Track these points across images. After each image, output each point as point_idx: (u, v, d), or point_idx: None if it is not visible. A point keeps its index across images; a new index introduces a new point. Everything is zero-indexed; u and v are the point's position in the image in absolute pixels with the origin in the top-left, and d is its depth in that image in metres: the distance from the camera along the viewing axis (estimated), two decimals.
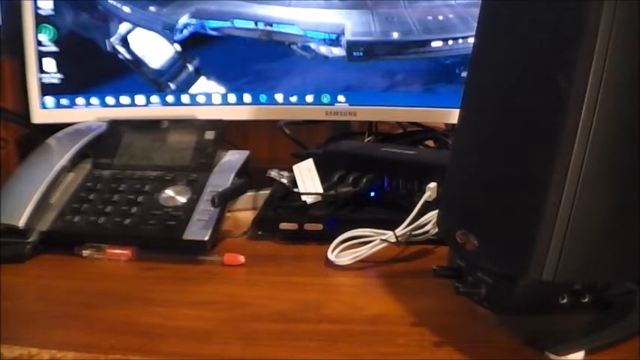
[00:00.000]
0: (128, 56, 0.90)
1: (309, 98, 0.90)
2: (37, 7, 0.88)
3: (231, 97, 0.91)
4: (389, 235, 0.68)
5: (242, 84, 0.90)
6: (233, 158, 0.82)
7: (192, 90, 0.91)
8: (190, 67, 0.90)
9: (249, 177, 0.80)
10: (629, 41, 0.44)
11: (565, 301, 0.50)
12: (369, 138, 0.96)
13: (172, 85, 0.91)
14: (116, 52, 0.90)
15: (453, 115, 0.84)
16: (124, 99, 0.91)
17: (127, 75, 0.90)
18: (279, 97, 0.90)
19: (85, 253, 0.71)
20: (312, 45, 0.88)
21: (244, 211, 0.84)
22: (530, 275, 0.46)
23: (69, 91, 0.91)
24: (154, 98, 0.91)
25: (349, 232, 0.69)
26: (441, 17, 0.85)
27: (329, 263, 0.68)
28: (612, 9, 0.43)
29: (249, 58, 0.90)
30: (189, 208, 0.74)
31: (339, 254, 0.68)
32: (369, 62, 0.87)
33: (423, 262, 0.69)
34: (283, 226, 0.75)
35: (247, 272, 0.68)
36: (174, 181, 0.78)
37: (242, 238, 0.77)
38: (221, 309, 0.60)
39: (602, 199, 0.46)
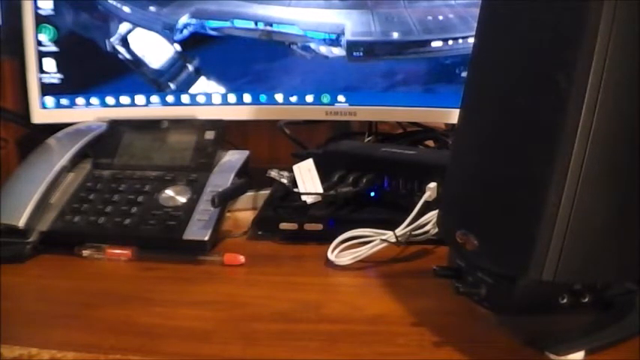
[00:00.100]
0: (128, 56, 0.90)
1: (309, 98, 0.90)
2: (37, 7, 0.88)
3: (231, 97, 0.91)
4: (389, 235, 0.68)
5: (242, 84, 0.90)
6: (233, 158, 0.82)
7: (192, 90, 0.91)
8: (190, 67, 0.90)
9: (249, 177, 0.80)
10: (629, 41, 0.44)
11: (565, 301, 0.50)
12: (369, 138, 0.96)
13: (172, 85, 0.91)
14: (116, 52, 0.90)
15: (453, 115, 0.84)
16: (124, 99, 0.91)
17: (127, 75, 0.90)
18: (279, 97, 0.90)
19: (85, 253, 0.71)
20: (312, 45, 0.88)
21: (244, 211, 0.84)
22: (530, 275, 0.46)
23: (69, 91, 0.91)
24: (154, 98, 0.91)
25: (349, 232, 0.69)
26: (441, 17, 0.85)
27: (329, 263, 0.68)
28: (612, 9, 0.43)
29: (249, 58, 0.90)
30: (189, 208, 0.74)
31: (339, 254, 0.68)
32: (369, 62, 0.87)
33: (423, 262, 0.69)
34: (283, 226, 0.75)
35: (247, 272, 0.68)
36: (174, 181, 0.78)
37: (242, 238, 0.77)
38: (221, 309, 0.60)
39: (602, 199, 0.46)
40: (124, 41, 0.90)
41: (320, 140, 0.97)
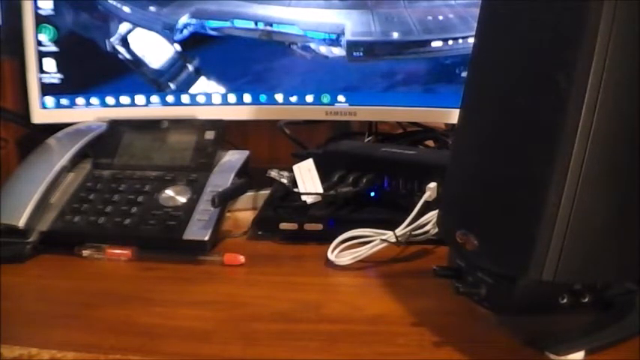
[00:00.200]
0: (128, 56, 0.90)
1: (309, 98, 0.90)
2: (37, 7, 0.88)
3: (231, 97, 0.91)
4: (389, 235, 0.68)
5: (242, 84, 0.90)
6: (233, 158, 0.82)
7: (192, 90, 0.91)
8: (190, 67, 0.90)
9: (249, 177, 0.80)
10: (629, 41, 0.44)
11: (565, 301, 0.50)
12: (369, 138, 0.96)
13: (172, 85, 0.91)
14: (116, 52, 0.90)
15: (453, 115, 0.84)
16: (124, 99, 0.91)
17: (127, 75, 0.90)
18: (279, 97, 0.90)
19: (85, 253, 0.71)
20: (312, 45, 0.88)
21: (244, 211, 0.84)
22: (530, 275, 0.46)
23: (69, 91, 0.91)
24: (154, 98, 0.91)
25: (349, 232, 0.69)
26: (441, 17, 0.85)
27: (329, 263, 0.68)
28: (612, 9, 0.43)
29: (249, 58, 0.90)
30: (189, 208, 0.74)
31: (339, 254, 0.68)
32: (369, 62, 0.87)
33: (423, 262, 0.69)
34: (283, 226, 0.75)
35: (247, 272, 0.68)
36: (174, 181, 0.78)
37: (242, 238, 0.77)
38: (221, 309, 0.60)
39: (602, 199, 0.46)
40: (124, 41, 0.90)
41: (320, 140, 0.97)
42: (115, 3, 0.89)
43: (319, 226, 0.74)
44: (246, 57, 0.89)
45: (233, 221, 0.82)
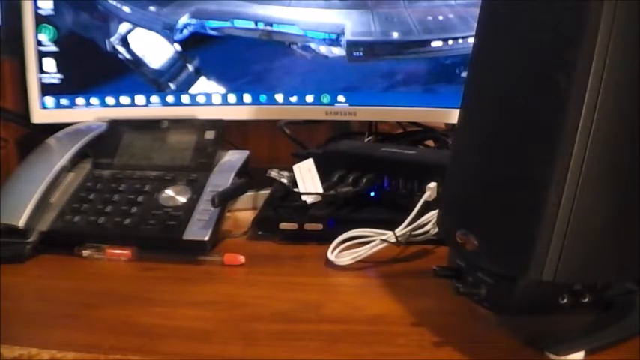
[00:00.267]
0: (128, 56, 0.90)
1: (309, 98, 0.90)
2: (37, 7, 0.88)
3: (231, 97, 0.91)
4: (389, 235, 0.68)
5: (242, 84, 0.90)
6: (233, 158, 0.82)
7: (192, 90, 0.91)
8: (190, 67, 0.90)
9: (249, 177, 0.80)
10: (629, 41, 0.44)
11: (565, 301, 0.50)
12: (369, 138, 0.96)
13: (172, 85, 0.91)
14: (116, 52, 0.90)
15: (453, 115, 0.84)
16: (124, 99, 0.91)
17: (127, 75, 0.91)
18: (279, 97, 0.90)
19: (85, 253, 0.71)
20: (312, 45, 0.88)
21: (244, 211, 0.84)
22: (530, 275, 0.46)
23: (69, 91, 0.91)
24: (154, 98, 0.91)
25: (349, 232, 0.69)
26: (441, 17, 0.85)
27: (329, 263, 0.68)
28: (612, 9, 0.43)
29: (249, 58, 0.90)
30: (189, 208, 0.74)
31: (339, 254, 0.68)
32: (369, 62, 0.87)
33: (423, 262, 0.69)
34: (283, 226, 0.75)
35: (247, 272, 0.68)
36: (174, 181, 0.78)
37: (242, 238, 0.77)
38: (221, 309, 0.60)
39: (602, 199, 0.46)
40: (124, 41, 0.90)
41: (320, 140, 0.97)
42: (115, 3, 0.89)
43: (319, 226, 0.74)
44: (246, 57, 0.89)
45: (233, 221, 0.82)
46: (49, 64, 0.90)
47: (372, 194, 0.79)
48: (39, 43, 0.89)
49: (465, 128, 0.56)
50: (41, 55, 0.89)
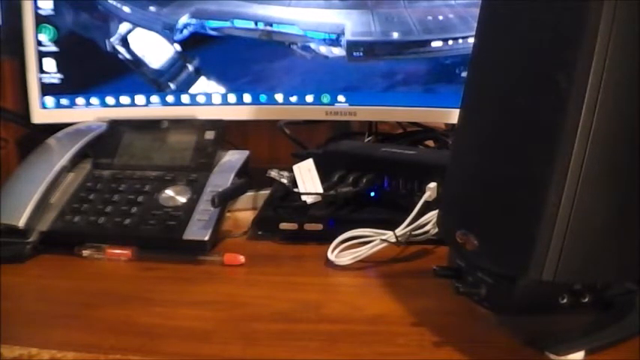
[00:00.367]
0: (128, 56, 0.90)
1: (309, 98, 0.90)
2: (37, 7, 0.88)
3: (231, 97, 0.91)
4: (389, 235, 0.68)
5: (242, 84, 0.90)
6: (233, 158, 0.82)
7: (192, 90, 0.91)
8: (190, 67, 0.90)
9: (249, 177, 0.80)
10: (629, 41, 0.44)
11: (565, 301, 0.50)
12: (369, 138, 0.96)
13: (172, 85, 0.91)
14: (116, 52, 0.90)
15: (453, 115, 0.84)
16: (124, 99, 0.91)
17: (127, 75, 0.91)
18: (279, 97, 0.90)
19: (85, 253, 0.71)
20: (312, 45, 0.88)
21: (244, 211, 0.84)
22: (530, 275, 0.46)
23: (69, 91, 0.91)
24: (154, 98, 0.91)
25: (349, 232, 0.69)
26: (441, 17, 0.85)
27: (329, 263, 0.68)
28: (612, 9, 0.43)
29: (249, 58, 0.90)
30: (189, 208, 0.74)
31: (339, 254, 0.68)
32: (369, 62, 0.87)
33: (423, 262, 0.69)
34: (283, 226, 0.75)
35: (247, 272, 0.68)
36: (174, 181, 0.78)
37: (242, 238, 0.77)
38: (221, 309, 0.60)
39: (602, 199, 0.46)
40: (124, 41, 0.90)
41: (320, 140, 0.97)
42: (115, 3, 0.89)
43: (319, 226, 0.74)
44: (246, 57, 0.89)
45: (233, 221, 0.82)
46: (49, 64, 0.90)
47: (372, 194, 0.79)
48: (39, 43, 0.89)
49: (465, 128, 0.56)
50: (41, 55, 0.89)
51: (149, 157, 0.82)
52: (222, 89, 0.91)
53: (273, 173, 0.79)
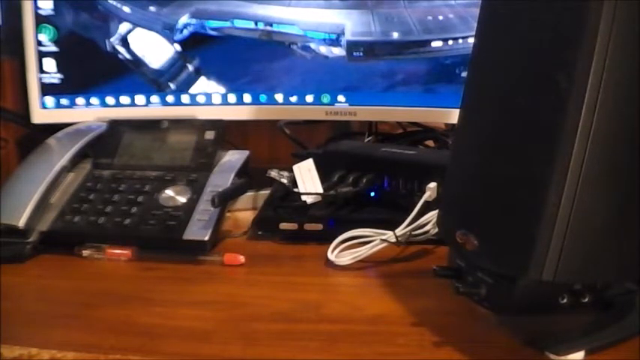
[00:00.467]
0: (128, 56, 0.90)
1: (309, 98, 0.90)
2: (37, 7, 0.88)
3: (231, 97, 0.91)
4: (389, 235, 0.68)
5: (242, 84, 0.90)
6: (233, 158, 0.82)
7: (192, 90, 0.91)
8: (190, 67, 0.90)
9: (249, 177, 0.80)
10: (629, 41, 0.44)
11: (565, 301, 0.50)
12: (369, 138, 0.96)
13: (172, 85, 0.91)
14: (116, 52, 0.90)
15: (453, 115, 0.84)
16: (124, 99, 0.91)
17: (127, 75, 0.91)
18: (279, 97, 0.90)
19: (85, 253, 0.71)
20: (312, 45, 0.88)
21: (244, 211, 0.84)
22: (530, 275, 0.46)
23: (69, 91, 0.91)
24: (154, 98, 0.91)
25: (349, 232, 0.69)
26: (441, 17, 0.85)
27: (329, 263, 0.68)
28: (612, 9, 0.43)
29: (249, 58, 0.90)
30: (189, 208, 0.74)
31: (339, 254, 0.68)
32: (369, 62, 0.87)
33: (423, 262, 0.69)
34: (283, 226, 0.75)
35: (247, 272, 0.68)
36: (174, 181, 0.78)
37: (242, 238, 0.77)
38: (221, 309, 0.60)
39: (602, 199, 0.46)
40: (124, 41, 0.90)
41: (320, 140, 0.97)
42: (115, 3, 0.89)
43: (319, 226, 0.74)
44: (246, 57, 0.89)
45: (233, 221, 0.82)
46: (49, 64, 0.90)
47: (372, 194, 0.79)
48: (39, 43, 0.89)
49: (465, 128, 0.56)
50: (41, 55, 0.89)
51: (149, 157, 0.82)
52: (222, 89, 0.91)
53: (273, 173, 0.79)
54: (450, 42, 0.85)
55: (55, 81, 0.90)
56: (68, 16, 0.89)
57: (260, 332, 0.56)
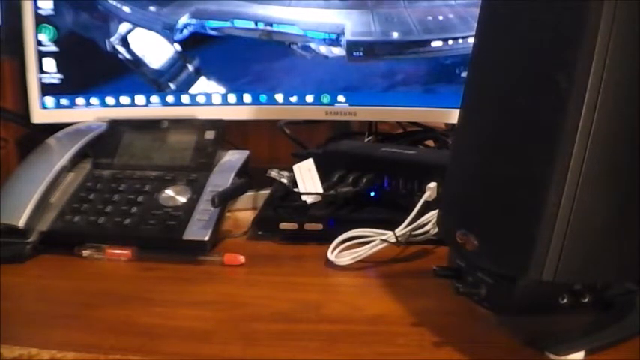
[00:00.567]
0: (128, 56, 0.90)
1: (309, 98, 0.90)
2: (37, 7, 0.88)
3: (231, 97, 0.91)
4: (389, 235, 0.68)
5: (242, 84, 0.90)
6: (233, 158, 0.82)
7: (192, 90, 0.91)
8: (190, 67, 0.90)
9: (249, 177, 0.80)
10: (629, 41, 0.44)
11: (565, 301, 0.50)
12: (369, 138, 0.96)
13: (172, 85, 0.91)
14: (116, 52, 0.90)
15: (453, 115, 0.84)
16: (124, 99, 0.91)
17: (127, 75, 0.91)
18: (279, 97, 0.90)
19: (85, 253, 0.71)
20: (312, 45, 0.88)
21: (244, 211, 0.84)
22: (530, 275, 0.46)
23: (69, 91, 0.91)
24: (154, 98, 0.91)
25: (349, 232, 0.69)
26: (441, 17, 0.85)
27: (329, 263, 0.68)
28: (612, 9, 0.43)
29: (249, 58, 0.90)
30: (189, 208, 0.74)
31: (339, 254, 0.68)
32: (369, 62, 0.87)
33: (423, 262, 0.69)
34: (283, 226, 0.75)
35: (247, 272, 0.68)
36: (174, 181, 0.78)
37: (242, 238, 0.77)
38: (221, 309, 0.60)
39: (602, 199, 0.46)
40: (124, 41, 0.90)
41: (320, 140, 0.97)
42: (115, 3, 0.89)
43: (319, 226, 0.74)
44: (246, 57, 0.89)
45: (233, 221, 0.82)
46: (49, 64, 0.90)
47: (372, 194, 0.79)
48: (39, 43, 0.89)
49: (465, 128, 0.56)
50: (41, 55, 0.89)
51: (149, 157, 0.82)
52: (222, 89, 0.91)
53: (273, 173, 0.79)
54: (450, 42, 0.85)
55: (55, 81, 0.90)
56: (68, 16, 0.89)
57: (260, 332, 0.56)
